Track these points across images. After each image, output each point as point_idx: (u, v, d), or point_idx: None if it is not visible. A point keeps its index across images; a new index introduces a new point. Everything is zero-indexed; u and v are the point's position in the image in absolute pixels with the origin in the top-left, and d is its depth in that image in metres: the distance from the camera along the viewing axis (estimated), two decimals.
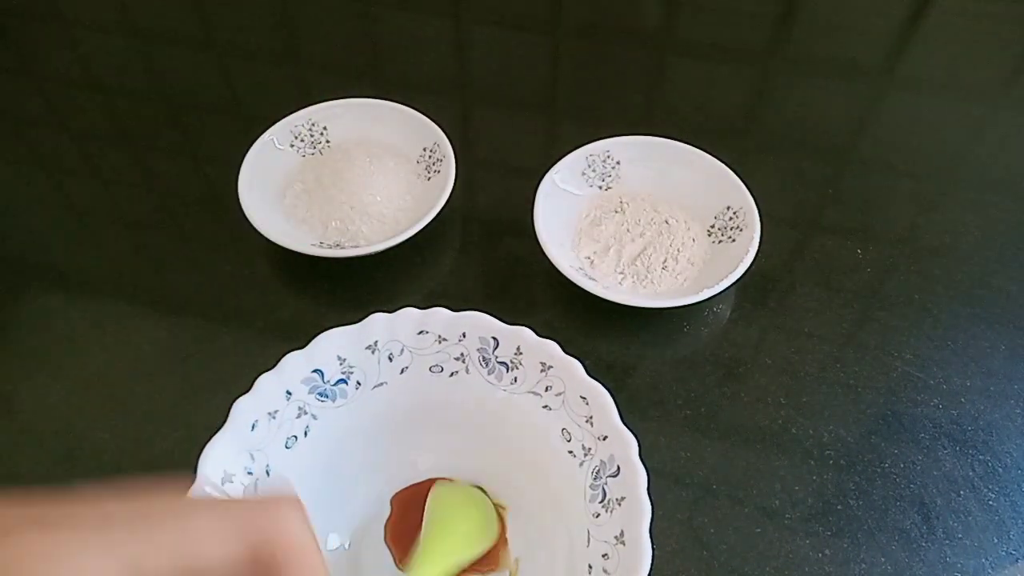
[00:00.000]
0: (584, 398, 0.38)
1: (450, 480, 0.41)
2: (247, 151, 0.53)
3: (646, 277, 0.48)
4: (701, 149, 0.52)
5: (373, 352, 0.40)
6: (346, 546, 0.39)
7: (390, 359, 0.41)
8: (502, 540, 0.39)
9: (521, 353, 0.40)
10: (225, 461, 0.36)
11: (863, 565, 0.40)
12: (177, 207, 0.56)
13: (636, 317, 0.49)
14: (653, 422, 0.44)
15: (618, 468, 0.36)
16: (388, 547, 0.39)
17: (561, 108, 0.64)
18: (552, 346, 0.39)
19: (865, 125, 0.61)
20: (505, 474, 0.41)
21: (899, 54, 0.67)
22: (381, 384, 0.41)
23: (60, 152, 0.60)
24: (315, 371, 0.39)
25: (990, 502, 0.42)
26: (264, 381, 0.38)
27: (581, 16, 0.71)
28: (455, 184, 0.50)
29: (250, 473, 0.37)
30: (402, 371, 0.41)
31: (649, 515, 0.34)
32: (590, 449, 0.38)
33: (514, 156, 0.59)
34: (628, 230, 0.51)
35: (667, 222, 0.51)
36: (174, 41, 0.70)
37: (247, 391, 0.35)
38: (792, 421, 0.45)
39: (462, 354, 0.41)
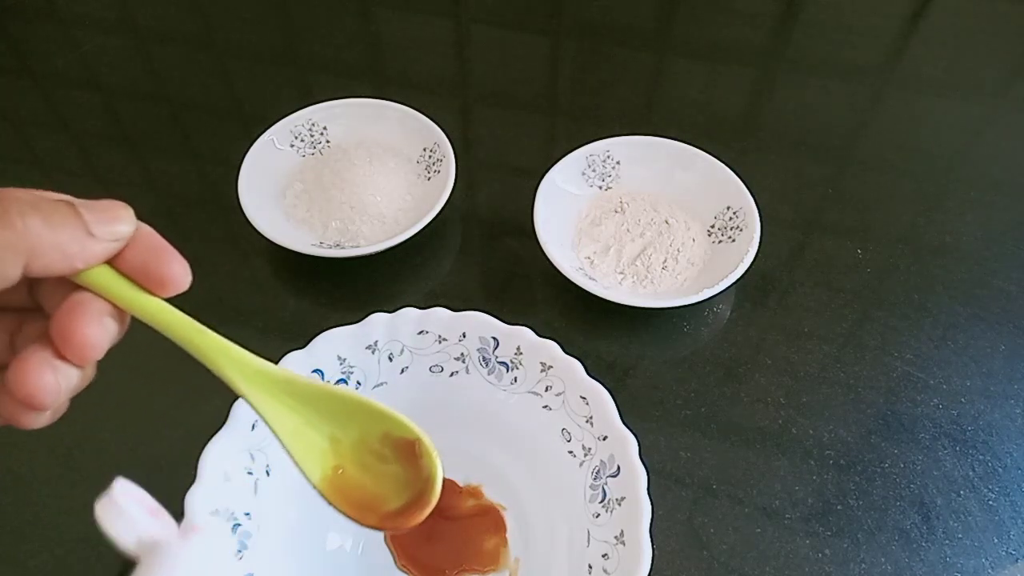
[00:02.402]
0: (584, 398, 0.38)
1: (451, 481, 0.41)
2: (247, 151, 0.53)
3: (646, 277, 0.48)
4: (701, 149, 0.52)
5: (373, 352, 0.40)
6: (346, 546, 0.39)
7: (390, 359, 0.41)
8: (501, 539, 0.39)
9: (521, 353, 0.40)
10: (225, 461, 0.36)
11: (863, 565, 0.40)
12: (177, 207, 0.56)
13: (636, 317, 0.49)
14: (653, 422, 0.44)
15: (618, 468, 0.36)
16: (388, 547, 0.39)
17: (561, 108, 0.64)
18: (552, 346, 0.39)
19: (865, 125, 0.61)
20: (505, 474, 0.41)
21: (899, 54, 0.67)
22: (381, 384, 0.41)
23: (60, 152, 0.60)
24: (315, 371, 0.39)
25: (990, 502, 0.42)
26: None
27: (581, 16, 0.71)
28: (455, 184, 0.50)
29: (250, 473, 0.37)
30: (402, 371, 0.41)
31: (649, 515, 0.34)
32: (590, 449, 0.38)
33: (514, 156, 0.59)
34: (628, 230, 0.51)
35: (667, 222, 0.51)
36: (174, 41, 0.70)
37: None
38: (792, 421, 0.45)
39: (462, 354, 0.41)
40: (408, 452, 0.26)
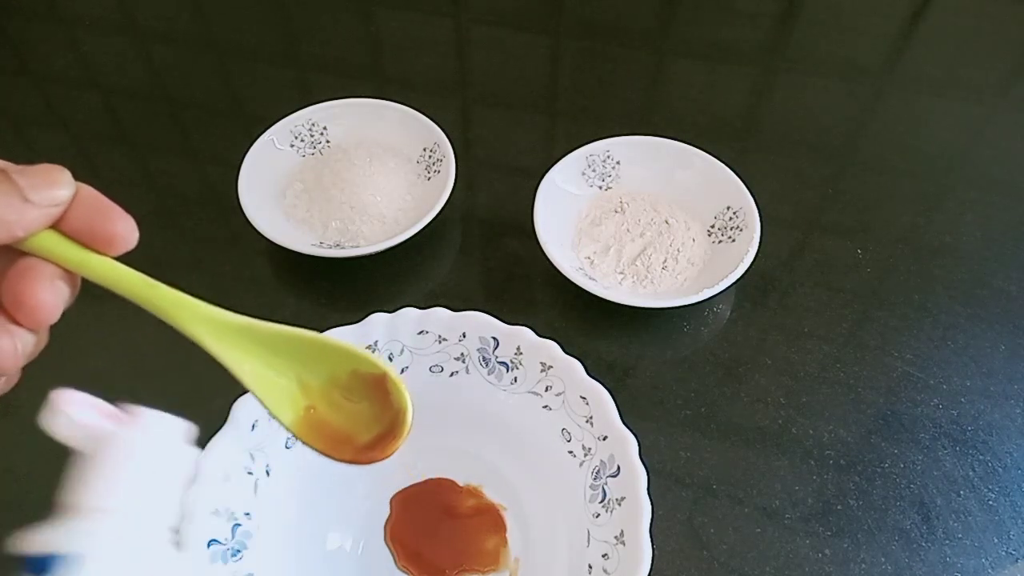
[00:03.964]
0: (584, 398, 0.38)
1: (451, 481, 0.41)
2: (247, 151, 0.53)
3: (646, 277, 0.48)
4: (701, 149, 0.52)
5: (373, 352, 0.40)
6: (346, 546, 0.39)
7: (390, 359, 0.41)
8: (501, 539, 0.39)
9: (521, 353, 0.40)
10: (225, 461, 0.36)
11: (863, 565, 0.40)
12: (177, 207, 0.56)
13: (636, 317, 0.48)
14: (653, 422, 0.44)
15: (618, 468, 0.36)
16: (388, 547, 0.39)
17: (561, 108, 0.64)
18: (552, 346, 0.39)
19: (865, 125, 0.61)
20: (505, 474, 0.41)
21: (899, 54, 0.67)
22: None
23: (60, 152, 0.60)
24: None
25: (990, 502, 0.42)
26: None
27: (581, 16, 0.71)
28: (455, 184, 0.50)
29: (250, 473, 0.37)
30: (402, 371, 0.41)
31: (649, 515, 0.34)
32: (590, 449, 0.38)
33: (514, 156, 0.59)
34: (628, 230, 0.51)
35: (667, 222, 0.51)
36: (174, 41, 0.70)
37: (248, 391, 0.35)
38: (792, 421, 0.45)
39: (462, 354, 0.41)
40: (377, 387, 0.26)
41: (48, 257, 0.22)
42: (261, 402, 0.26)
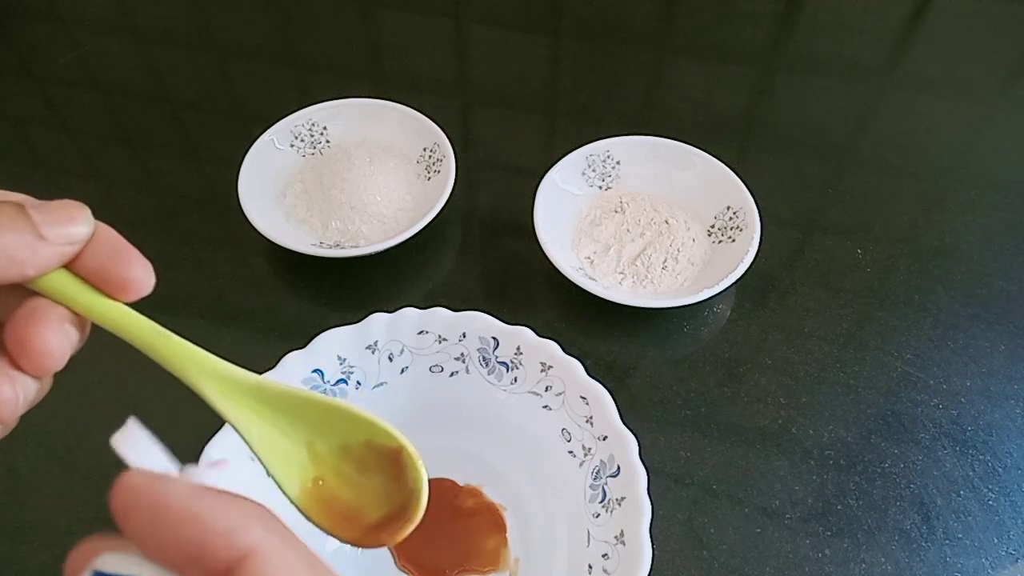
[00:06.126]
0: (584, 398, 0.38)
1: (451, 481, 0.41)
2: (247, 151, 0.53)
3: (646, 277, 0.48)
4: (701, 149, 0.52)
5: (373, 352, 0.40)
6: (346, 546, 0.39)
7: (390, 359, 0.41)
8: (501, 539, 0.39)
9: (521, 353, 0.40)
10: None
11: (863, 565, 0.40)
12: (177, 207, 0.56)
13: (636, 317, 0.49)
14: (653, 422, 0.44)
15: (618, 468, 0.36)
16: (388, 548, 0.39)
17: (561, 108, 0.64)
18: (552, 346, 0.39)
19: (865, 125, 0.61)
20: (505, 474, 0.41)
21: (899, 54, 0.67)
22: (381, 384, 0.41)
23: (60, 152, 0.60)
24: (315, 371, 0.39)
25: (990, 502, 0.42)
26: None
27: (581, 16, 0.71)
28: (455, 184, 0.50)
29: None
30: (402, 371, 0.41)
31: (649, 515, 0.34)
32: (590, 449, 0.38)
33: (514, 156, 0.59)
34: (628, 230, 0.51)
35: (667, 222, 0.51)
36: (174, 41, 0.70)
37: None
38: (792, 421, 0.45)
39: (462, 354, 0.41)
40: (392, 462, 0.25)
41: (58, 299, 0.21)
42: (267, 469, 0.24)
